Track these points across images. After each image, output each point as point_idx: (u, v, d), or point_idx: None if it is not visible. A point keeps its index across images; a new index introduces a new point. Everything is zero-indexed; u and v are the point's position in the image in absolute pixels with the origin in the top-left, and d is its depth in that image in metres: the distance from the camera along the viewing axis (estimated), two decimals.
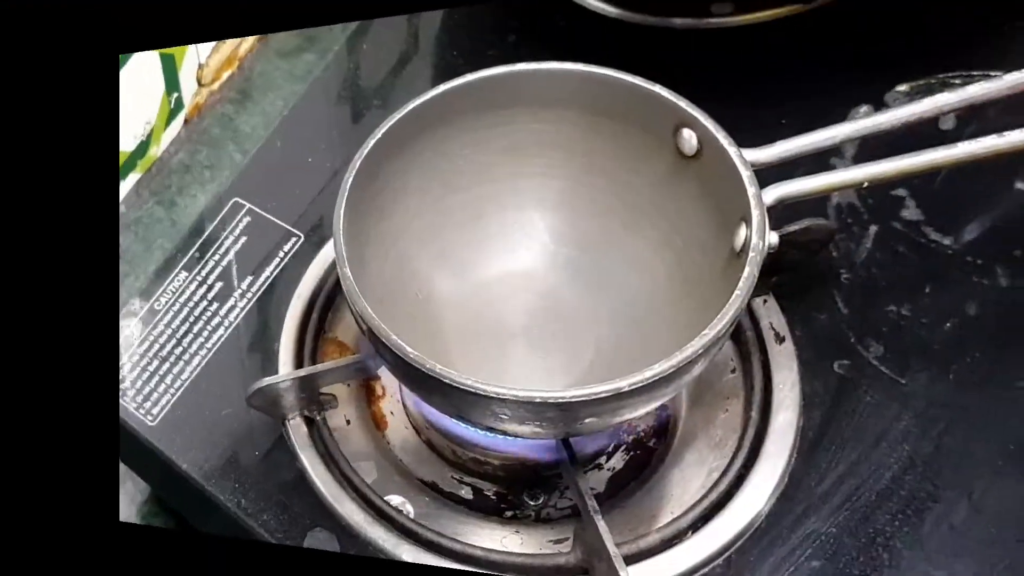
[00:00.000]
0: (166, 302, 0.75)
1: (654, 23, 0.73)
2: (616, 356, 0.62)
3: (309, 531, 0.64)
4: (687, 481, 0.60)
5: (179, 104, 0.93)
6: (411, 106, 0.64)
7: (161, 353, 0.73)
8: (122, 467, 0.76)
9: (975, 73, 0.67)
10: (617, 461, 0.63)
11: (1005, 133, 0.56)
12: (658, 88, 0.60)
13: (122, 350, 0.75)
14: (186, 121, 0.95)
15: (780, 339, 0.61)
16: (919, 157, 0.56)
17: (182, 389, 0.71)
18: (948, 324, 0.61)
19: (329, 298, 0.71)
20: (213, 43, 0.94)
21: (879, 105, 0.67)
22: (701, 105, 0.58)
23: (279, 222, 0.76)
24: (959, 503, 0.56)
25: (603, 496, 0.62)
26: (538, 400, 0.54)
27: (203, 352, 0.73)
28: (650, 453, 0.63)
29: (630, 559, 0.58)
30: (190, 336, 0.73)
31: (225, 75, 0.96)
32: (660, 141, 0.60)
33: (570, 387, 0.54)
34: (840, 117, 0.63)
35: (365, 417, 0.68)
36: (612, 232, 0.64)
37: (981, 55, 0.68)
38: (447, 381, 0.55)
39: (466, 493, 0.64)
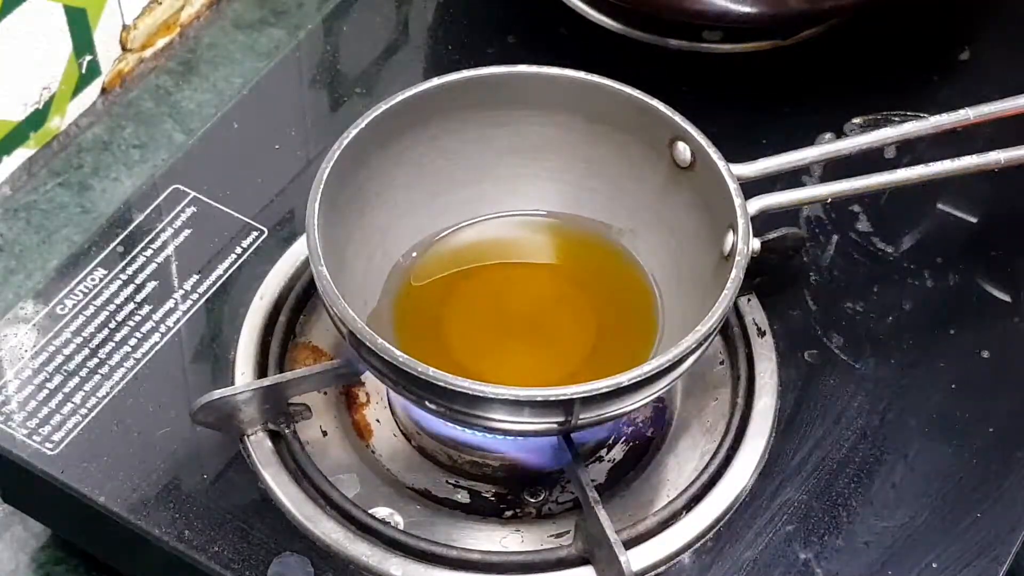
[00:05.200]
0: (73, 305, 0.65)
1: (652, 41, 0.77)
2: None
3: (276, 556, 0.58)
4: (681, 466, 0.62)
5: (94, 69, 0.79)
6: (404, 95, 0.62)
7: (66, 367, 0.63)
8: (5, 509, 0.66)
9: (909, 113, 0.74)
10: (617, 452, 0.63)
11: (931, 163, 0.65)
12: (656, 102, 0.62)
13: (7, 364, 0.63)
14: (104, 90, 0.81)
15: (761, 333, 0.65)
16: (869, 179, 0.64)
17: (98, 408, 0.62)
18: (890, 318, 0.68)
19: (301, 299, 0.66)
20: (142, 3, 0.81)
21: (839, 133, 0.74)
22: (691, 121, 0.62)
23: (235, 214, 0.69)
24: (898, 465, 0.63)
25: (603, 487, 0.62)
26: (539, 399, 0.54)
27: (129, 364, 0.64)
28: (648, 442, 0.64)
29: (629, 543, 0.58)
30: (110, 345, 0.64)
31: (161, 42, 0.83)
32: (657, 152, 0.63)
33: (568, 383, 0.54)
34: (809, 141, 0.70)
35: (346, 427, 0.64)
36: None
37: (914, 99, 0.76)
38: (441, 384, 0.54)
39: (462, 497, 0.62)
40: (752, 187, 0.62)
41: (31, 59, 0.75)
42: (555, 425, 0.56)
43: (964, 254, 0.71)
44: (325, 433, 0.63)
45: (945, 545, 0.61)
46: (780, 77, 0.77)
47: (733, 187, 0.60)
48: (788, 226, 0.66)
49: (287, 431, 0.62)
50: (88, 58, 0.79)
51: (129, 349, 0.64)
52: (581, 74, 0.64)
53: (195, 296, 0.66)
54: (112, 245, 0.68)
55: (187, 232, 0.68)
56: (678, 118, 0.62)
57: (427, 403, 0.56)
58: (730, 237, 0.59)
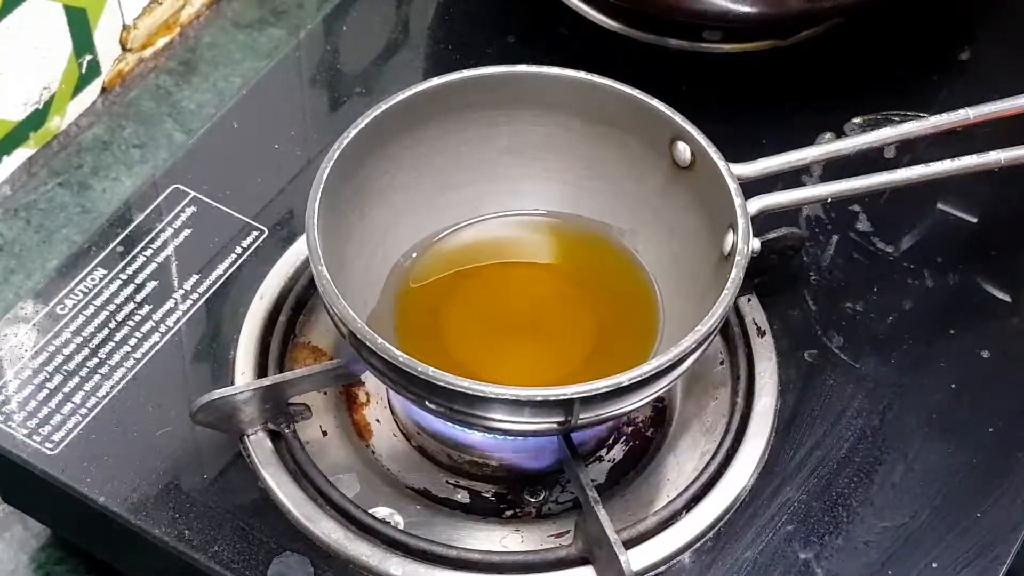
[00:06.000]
0: (73, 305, 0.65)
1: (651, 41, 0.78)
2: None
3: (276, 556, 0.58)
4: (681, 465, 0.62)
5: (94, 69, 0.79)
6: (404, 95, 0.62)
7: (66, 367, 0.63)
8: (5, 509, 0.66)
9: (909, 113, 0.74)
10: (617, 452, 0.64)
11: (931, 163, 0.65)
12: (656, 102, 0.62)
13: (7, 364, 0.63)
14: (104, 90, 0.81)
15: (761, 333, 0.65)
16: (869, 179, 0.64)
17: (98, 408, 0.62)
18: (890, 318, 0.68)
19: (301, 299, 0.66)
20: (142, 3, 0.81)
21: (839, 133, 0.74)
22: (691, 121, 0.62)
23: (236, 214, 0.69)
24: (898, 464, 0.63)
25: (603, 486, 0.62)
26: (539, 399, 0.54)
27: (129, 363, 0.64)
28: (648, 442, 0.64)
29: (629, 543, 0.58)
30: (110, 345, 0.64)
31: (161, 42, 0.83)
32: (657, 152, 0.63)
33: (568, 383, 0.54)
34: (809, 141, 0.70)
35: (346, 426, 0.64)
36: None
37: (914, 99, 0.76)
38: (441, 384, 0.54)
39: (462, 497, 0.62)
40: (752, 187, 0.62)
41: (31, 59, 0.76)
42: (555, 425, 0.56)
43: (964, 254, 0.71)
44: (325, 433, 0.63)
45: (945, 545, 0.61)
46: (780, 77, 0.77)
47: (733, 187, 0.60)
48: (788, 226, 0.66)
49: (287, 431, 0.62)
50: (88, 58, 0.79)
51: (129, 349, 0.64)
52: (581, 74, 0.64)
53: (195, 296, 0.66)
54: (112, 245, 0.68)
55: (187, 232, 0.68)
56: (678, 118, 0.62)
57: (427, 403, 0.56)
58: (730, 237, 0.59)
